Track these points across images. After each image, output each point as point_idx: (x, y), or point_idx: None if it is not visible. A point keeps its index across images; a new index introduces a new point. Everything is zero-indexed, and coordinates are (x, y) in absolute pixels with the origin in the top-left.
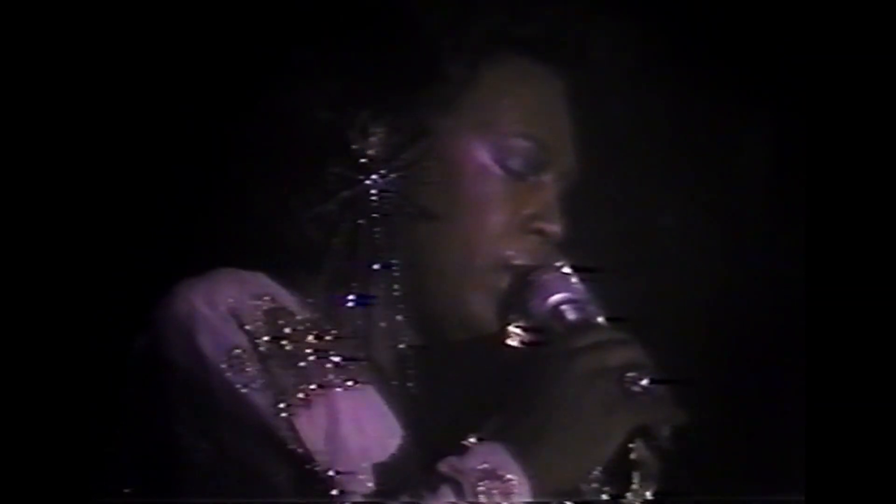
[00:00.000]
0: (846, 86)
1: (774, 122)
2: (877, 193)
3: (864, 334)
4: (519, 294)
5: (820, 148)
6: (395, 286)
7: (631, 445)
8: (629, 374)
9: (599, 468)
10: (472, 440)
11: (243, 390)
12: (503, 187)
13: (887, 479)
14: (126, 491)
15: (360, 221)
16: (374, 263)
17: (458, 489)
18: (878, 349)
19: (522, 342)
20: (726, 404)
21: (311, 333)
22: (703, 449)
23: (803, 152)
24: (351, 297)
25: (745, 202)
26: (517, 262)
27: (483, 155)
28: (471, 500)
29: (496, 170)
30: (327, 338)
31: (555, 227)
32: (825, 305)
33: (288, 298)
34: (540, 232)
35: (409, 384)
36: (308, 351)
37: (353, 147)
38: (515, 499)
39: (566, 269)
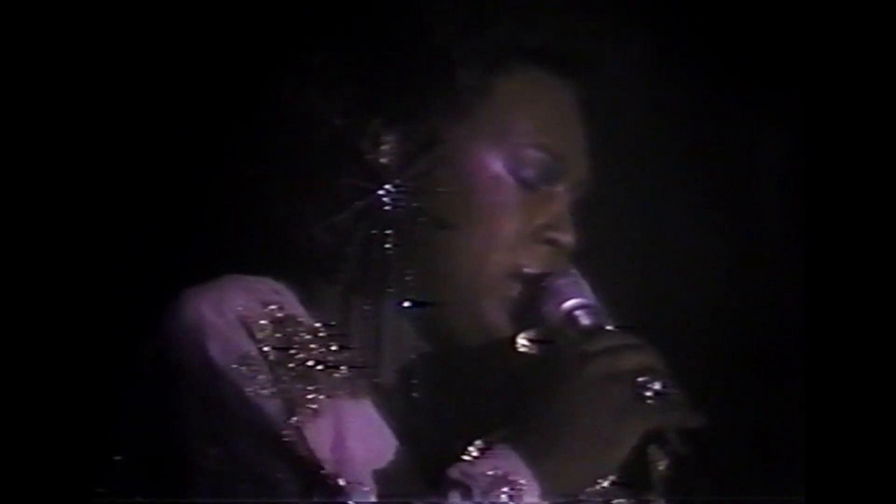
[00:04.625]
0: (861, 103)
1: (788, 134)
2: (881, 206)
3: (863, 335)
4: (532, 300)
5: (826, 162)
6: (408, 295)
7: (645, 449)
8: (640, 379)
9: (613, 472)
10: (478, 444)
11: (253, 397)
12: (516, 197)
13: (887, 480)
14: (135, 497)
15: (374, 231)
16: (387, 273)
17: (469, 494)
18: (876, 350)
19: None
20: (726, 406)
21: (319, 342)
22: (703, 450)
23: (817, 163)
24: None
25: (756, 212)
26: (529, 271)
27: (496, 164)
28: None
29: (509, 179)
30: (334, 347)
31: (567, 238)
32: (825, 309)
33: (296, 307)
34: (552, 242)
35: (416, 393)
36: (317, 360)
37: (366, 156)
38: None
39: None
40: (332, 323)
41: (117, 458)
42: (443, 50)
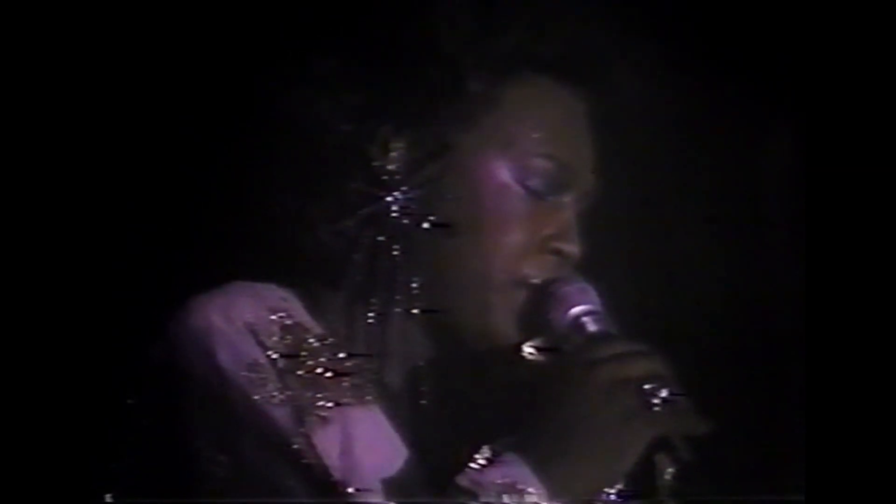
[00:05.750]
0: (863, 107)
1: (797, 144)
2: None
3: (862, 338)
4: (539, 306)
5: (834, 178)
6: (415, 303)
7: (652, 456)
8: (648, 386)
9: (620, 479)
10: (486, 452)
11: (262, 404)
12: (523, 206)
13: (887, 480)
14: (143, 503)
15: (381, 237)
16: (394, 279)
17: (478, 502)
18: (876, 352)
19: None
20: (727, 407)
21: (327, 350)
22: (703, 450)
23: (828, 173)
24: None
25: (761, 222)
26: (535, 280)
27: (504, 173)
28: None
29: (516, 188)
30: (342, 354)
31: (573, 249)
32: (826, 314)
33: (304, 314)
34: (558, 252)
35: (423, 400)
36: (325, 367)
37: (374, 163)
38: None
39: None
40: (340, 330)
41: (126, 463)
42: (452, 58)
